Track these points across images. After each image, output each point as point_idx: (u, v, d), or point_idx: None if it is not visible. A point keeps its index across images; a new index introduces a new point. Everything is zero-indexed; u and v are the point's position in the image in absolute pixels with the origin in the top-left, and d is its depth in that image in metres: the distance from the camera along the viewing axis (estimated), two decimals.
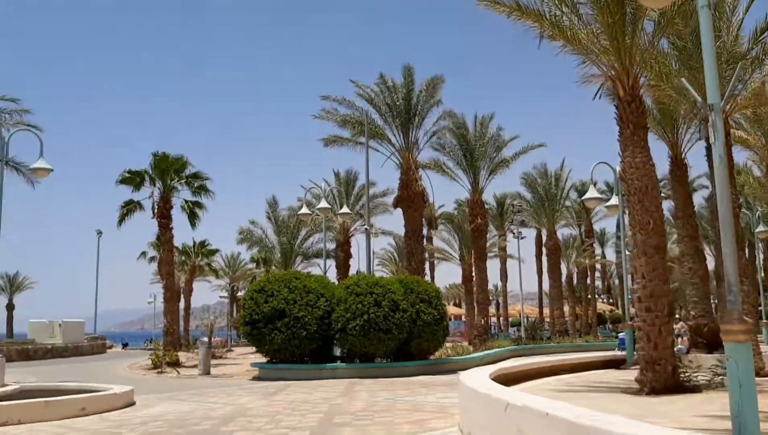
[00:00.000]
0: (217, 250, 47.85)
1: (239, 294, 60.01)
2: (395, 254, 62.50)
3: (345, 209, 22.44)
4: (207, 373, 21.63)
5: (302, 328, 18.33)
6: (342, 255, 35.35)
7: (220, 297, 54.40)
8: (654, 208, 10.44)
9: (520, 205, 48.72)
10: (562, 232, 61.00)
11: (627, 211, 12.57)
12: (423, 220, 26.66)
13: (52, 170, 14.80)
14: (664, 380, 10.43)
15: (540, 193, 39.81)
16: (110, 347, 54.35)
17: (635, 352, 12.45)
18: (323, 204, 21.09)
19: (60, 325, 41.83)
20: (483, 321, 31.38)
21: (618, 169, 18.27)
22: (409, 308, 19.08)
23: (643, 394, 10.65)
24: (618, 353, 22.02)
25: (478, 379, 8.87)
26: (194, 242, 47.03)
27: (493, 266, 53.51)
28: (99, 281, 54.67)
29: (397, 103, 26.94)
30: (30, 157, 22.17)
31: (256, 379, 19.45)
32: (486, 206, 37.41)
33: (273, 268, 54.51)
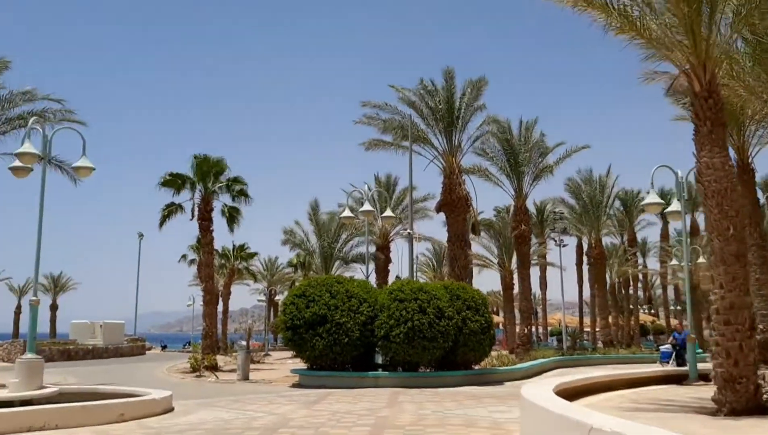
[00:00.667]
0: (255, 254, 47.85)
1: (277, 298, 60.05)
2: (433, 260, 61.79)
3: (389, 212, 21.87)
4: (246, 378, 21.22)
5: (344, 335, 17.77)
6: (382, 259, 34.79)
7: (258, 301, 54.36)
8: (734, 212, 9.60)
9: (562, 213, 47.69)
10: (604, 240, 59.83)
11: (700, 217, 11.64)
12: (466, 225, 25.93)
13: (94, 169, 14.53)
14: (746, 401, 9.55)
15: (584, 200, 38.66)
16: (149, 349, 54.73)
17: (713, 369, 11.48)
18: (367, 206, 20.54)
19: (101, 326, 42.19)
20: (526, 330, 30.46)
21: (680, 173, 17.38)
22: (455, 316, 18.38)
23: (721, 415, 9.77)
24: (669, 368, 20.97)
25: (543, 394, 8.16)
26: (233, 245, 47.08)
27: (531, 274, 52.49)
28: (139, 283, 55.12)
29: (440, 107, 26.28)
30: (73, 156, 22.19)
31: (296, 385, 18.96)
32: None
33: (311, 272, 54.34)
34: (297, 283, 59.13)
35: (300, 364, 30.48)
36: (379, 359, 19.76)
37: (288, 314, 18.40)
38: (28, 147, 13.54)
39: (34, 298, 13.69)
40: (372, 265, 36.11)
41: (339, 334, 17.76)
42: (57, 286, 63.27)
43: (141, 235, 57.14)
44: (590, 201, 38.56)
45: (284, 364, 33.26)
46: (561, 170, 34.83)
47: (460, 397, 15.07)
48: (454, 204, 25.49)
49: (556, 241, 46.02)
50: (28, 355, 13.48)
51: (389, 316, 17.82)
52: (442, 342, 17.86)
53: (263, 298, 55.48)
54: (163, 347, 60.64)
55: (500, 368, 20.48)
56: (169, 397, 13.13)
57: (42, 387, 13.53)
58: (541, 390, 8.96)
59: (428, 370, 18.86)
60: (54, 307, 62.61)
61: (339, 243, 30.74)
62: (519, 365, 21.91)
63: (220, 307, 43.63)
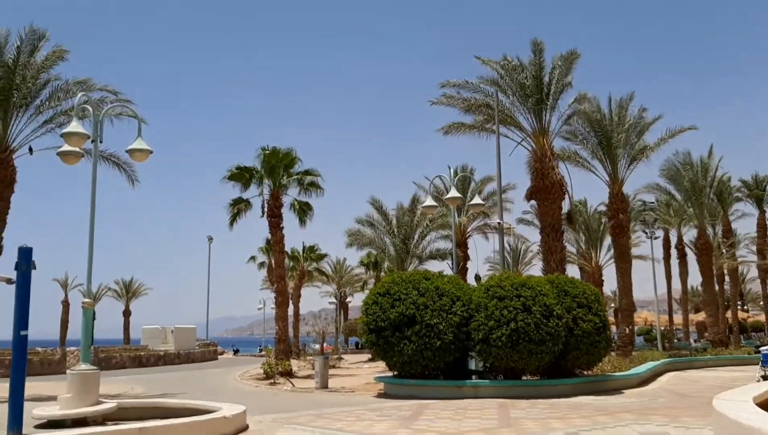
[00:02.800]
0: (326, 255, 46.08)
1: (348, 300, 58.30)
2: (509, 257, 58.77)
3: (477, 200, 19.42)
4: (324, 386, 19.18)
5: (436, 338, 15.44)
6: (460, 256, 32.27)
7: (329, 303, 52.67)
8: None
9: (652, 202, 44.06)
10: (693, 232, 55.36)
11: None
12: (561, 213, 23.19)
13: (150, 152, 12.70)
14: None
15: (685, 186, 35.04)
16: (221, 353, 53.88)
17: None
18: (453, 193, 18.16)
19: (172, 331, 41.26)
20: (627, 330, 27.39)
21: None
22: (565, 314, 15.79)
23: None
24: None
25: (747, 410, 5.64)
26: (303, 246, 45.44)
27: (612, 271, 48.88)
28: (211, 287, 54.37)
29: (527, 83, 23.63)
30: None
31: (381, 395, 16.74)
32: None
33: (382, 273, 52.24)
34: (369, 284, 57.35)
35: (379, 369, 28.64)
36: (473, 365, 17.39)
37: (371, 315, 16.21)
38: (75, 126, 11.79)
39: (86, 299, 11.94)
40: (445, 263, 33.70)
41: (430, 337, 15.45)
42: (129, 291, 63.37)
43: (210, 239, 56.54)
44: (692, 187, 34.92)
45: (361, 368, 31.25)
46: (654, 154, 31.36)
47: (585, 410, 12.51)
48: (547, 190, 22.81)
49: (646, 232, 42.57)
50: (82, 366, 11.70)
51: (488, 317, 15.39)
52: (551, 345, 15.30)
53: (334, 300, 53.79)
54: (236, 352, 59.80)
55: (616, 374, 17.72)
56: (242, 414, 11.11)
57: (98, 402, 11.70)
58: (741, 404, 6.40)
59: (534, 378, 16.34)
60: (127, 313, 62.73)
61: (414, 239, 28.33)
62: (634, 370, 19.08)
63: (290, 310, 41.93)
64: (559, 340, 15.47)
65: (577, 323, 15.92)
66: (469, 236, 37.78)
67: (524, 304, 15.24)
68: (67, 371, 11.77)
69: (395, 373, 16.90)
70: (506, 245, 61.15)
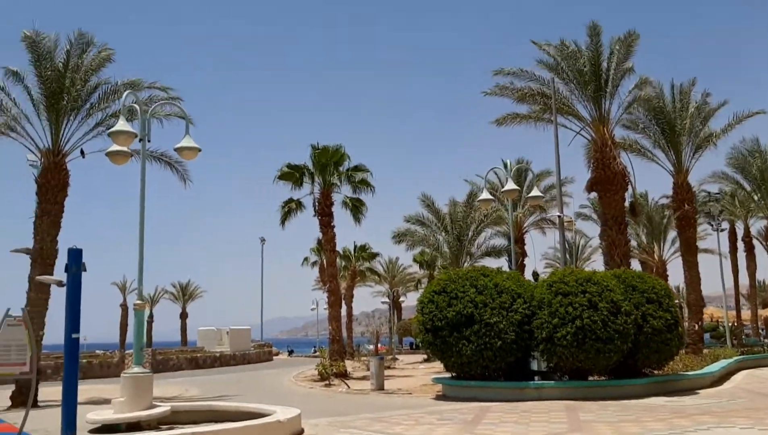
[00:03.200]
0: (377, 254, 45.66)
1: (401, 299, 57.76)
2: (567, 253, 57.24)
3: (535, 192, 18.57)
4: (381, 388, 18.66)
5: (496, 337, 14.72)
6: (518, 252, 31.33)
7: (382, 302, 52.22)
8: None
9: (717, 194, 42.14)
10: (761, 224, 52.71)
11: None
12: (624, 205, 22.10)
13: (199, 150, 12.41)
14: None
15: (754, 174, 33.25)
16: (276, 354, 54.08)
17: None
18: (510, 185, 17.39)
19: (227, 332, 41.49)
20: (696, 326, 26.02)
21: None
22: (634, 311, 14.87)
23: None
24: None
25: None
26: (355, 246, 45.16)
27: (675, 265, 46.78)
28: (265, 289, 54.64)
29: (584, 69, 22.61)
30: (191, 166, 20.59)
31: (440, 397, 16.12)
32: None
33: (436, 271, 51.52)
34: (423, 283, 56.64)
35: (435, 370, 27.94)
36: (534, 365, 16.60)
37: (427, 314, 15.60)
38: (122, 125, 11.55)
39: (138, 301, 11.70)
40: (502, 260, 32.76)
41: (490, 337, 14.74)
42: (185, 294, 64.28)
43: (263, 240, 56.87)
44: (761, 175, 33.11)
45: (417, 369, 30.67)
46: (720, 142, 29.72)
47: (660, 413, 11.63)
48: (609, 181, 21.75)
49: (712, 225, 40.76)
50: (135, 369, 11.46)
51: (551, 314, 14.59)
52: (620, 344, 14.40)
53: (386, 300, 53.29)
54: (290, 352, 59.99)
55: (688, 374, 16.66)
56: (297, 418, 10.67)
57: (152, 406, 11.44)
58: None
59: (600, 379, 15.46)
60: (183, 315, 63.64)
61: (468, 236, 27.53)
62: (707, 369, 17.93)
63: (343, 311, 41.71)
64: (628, 338, 14.56)
65: (647, 320, 14.98)
66: (526, 232, 36.71)
67: (590, 301, 14.39)
68: (121, 375, 11.55)
69: (453, 374, 16.26)
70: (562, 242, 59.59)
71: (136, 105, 12.68)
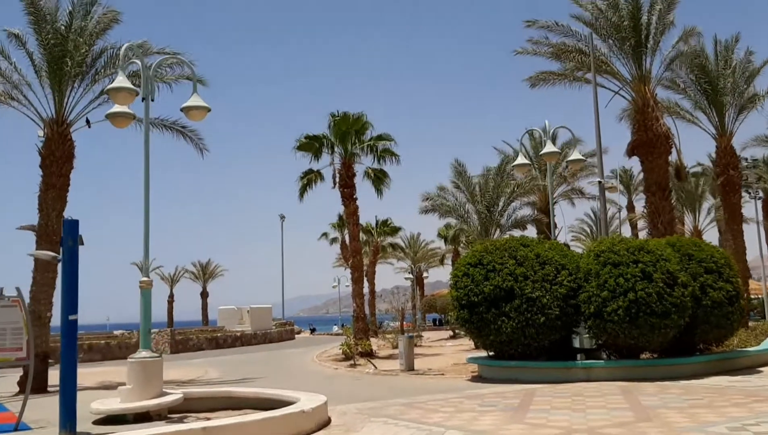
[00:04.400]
0: (400, 228, 44.32)
1: (424, 275, 56.56)
2: (593, 227, 55.53)
3: (576, 154, 17.08)
4: (411, 368, 17.46)
5: (539, 313, 13.40)
6: (546, 223, 29.81)
7: (405, 278, 51.09)
8: None
9: (756, 160, 40.25)
10: None
11: None
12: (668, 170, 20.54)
13: (208, 109, 11.16)
14: None
15: None
16: (298, 333, 53.30)
17: None
18: (549, 147, 15.94)
19: (248, 311, 40.59)
20: (742, 300, 24.39)
21: None
22: (691, 282, 13.45)
23: None
24: None
25: None
26: (376, 221, 43.92)
27: (710, 236, 44.91)
28: (286, 267, 53.74)
29: (623, 24, 20.89)
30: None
31: (476, 379, 14.87)
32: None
33: (460, 246, 50.13)
34: (447, 259, 55.36)
35: (463, 347, 26.77)
36: (576, 343, 15.28)
37: (461, 289, 14.29)
38: (122, 80, 10.31)
39: (144, 278, 10.52)
40: (529, 231, 31.26)
41: (532, 313, 13.42)
42: (206, 273, 63.59)
43: (283, 217, 55.87)
44: None
45: (444, 347, 29.48)
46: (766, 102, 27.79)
47: (733, 396, 10.27)
48: (652, 144, 20.18)
49: (749, 192, 38.99)
50: (142, 353, 10.31)
51: (600, 286, 13.21)
52: (677, 318, 13.01)
53: (410, 276, 52.13)
54: (312, 330, 59.20)
55: (749, 350, 15.23)
56: (323, 406, 9.47)
57: (162, 393, 10.31)
58: None
59: (652, 357, 14.08)
60: (204, 295, 63.02)
61: (499, 206, 26.04)
62: (766, 344, 16.45)
63: (365, 288, 40.68)
64: (686, 312, 13.16)
65: (706, 292, 13.55)
66: (555, 202, 35.20)
67: (643, 271, 12.98)
68: (128, 360, 10.43)
69: (491, 353, 14.98)
70: (592, 214, 57.96)
71: (136, 60, 11.41)
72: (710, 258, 13.89)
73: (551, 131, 16.58)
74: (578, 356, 14.59)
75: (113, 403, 10.10)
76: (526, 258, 13.90)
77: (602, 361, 13.72)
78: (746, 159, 40.38)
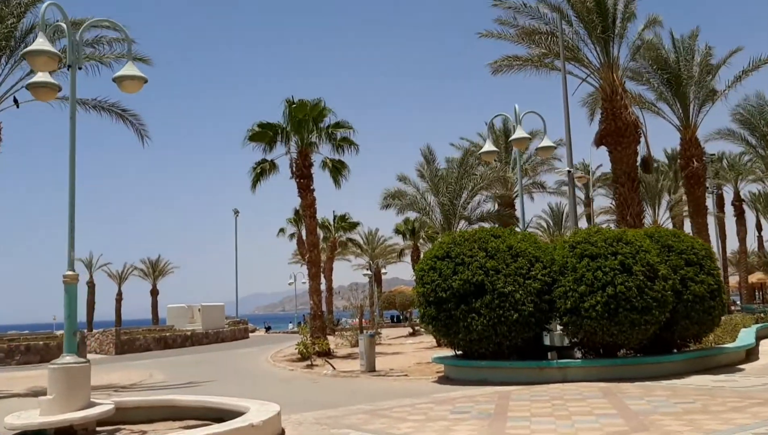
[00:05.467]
0: (358, 223, 43.20)
1: (384, 272, 55.47)
2: (549, 222, 55.37)
3: (547, 141, 16.01)
4: (372, 369, 16.33)
5: (512, 309, 12.43)
6: (506, 216, 29.04)
7: (364, 275, 49.81)
8: None
9: (712, 155, 40.56)
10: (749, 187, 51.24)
11: None
12: (637, 159, 19.88)
13: (145, 80, 9.78)
14: None
15: (763, 131, 31.28)
16: (253, 331, 51.62)
17: None
18: (519, 133, 14.99)
19: (199, 309, 38.84)
20: None
21: None
22: (671, 275, 12.65)
23: None
24: None
25: None
26: (334, 215, 42.67)
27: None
28: (241, 264, 51.97)
29: (590, 6, 20.10)
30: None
31: (443, 380, 13.84)
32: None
33: (420, 242, 49.25)
34: (406, 254, 54.36)
35: (423, 345, 25.72)
36: (547, 341, 14.41)
37: (428, 284, 13.22)
38: (42, 43, 8.88)
39: (68, 272, 9.10)
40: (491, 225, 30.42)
41: (505, 309, 12.44)
42: (156, 270, 61.21)
43: (237, 212, 54.02)
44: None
45: (404, 344, 28.45)
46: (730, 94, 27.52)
47: (728, 399, 9.43)
48: (621, 133, 19.51)
49: (707, 188, 39.17)
50: (66, 358, 8.90)
51: (576, 281, 12.32)
52: (658, 314, 12.20)
53: (368, 272, 50.92)
54: (267, 329, 57.53)
55: (727, 347, 14.53)
56: (276, 417, 8.27)
57: (89, 404, 8.93)
58: None
59: (629, 355, 13.25)
60: (154, 293, 60.70)
61: (462, 198, 25.07)
62: (742, 340, 15.77)
63: (322, 285, 39.37)
64: (667, 307, 12.37)
65: (687, 286, 12.77)
66: (516, 196, 34.56)
67: (623, 264, 12.13)
68: (48, 366, 9.01)
69: (458, 352, 13.95)
70: (548, 209, 57.74)
71: (62, 23, 9.98)
72: (690, 249, 13.12)
73: (521, 116, 15.62)
74: (549, 355, 13.69)
75: (31, 417, 8.68)
76: (498, 250, 12.91)
77: (579, 360, 12.83)
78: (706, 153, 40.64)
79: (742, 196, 50.27)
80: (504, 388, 11.78)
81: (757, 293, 60.13)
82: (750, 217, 52.14)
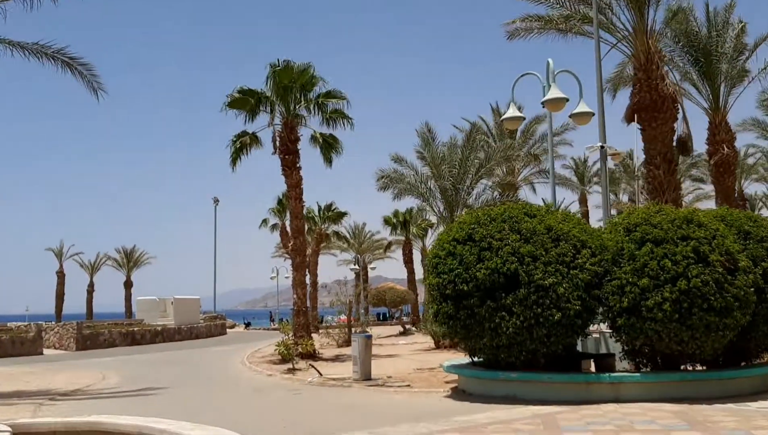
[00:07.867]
0: (345, 213, 40.29)
1: (372, 267, 52.70)
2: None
3: (583, 107, 13.30)
4: (367, 377, 13.53)
5: (553, 307, 9.70)
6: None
7: (351, 269, 47.01)
8: None
9: None
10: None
11: None
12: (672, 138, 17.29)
13: None
14: None
15: None
16: (231, 327, 48.67)
17: None
18: (554, 93, 12.30)
19: (172, 302, 35.79)
20: None
21: None
22: (752, 268, 9.99)
23: None
24: None
25: None
26: (319, 206, 39.80)
27: None
28: (222, 259, 48.91)
29: None
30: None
31: (459, 394, 11.07)
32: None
33: (411, 235, 46.52)
34: (394, 248, 51.60)
35: (416, 347, 23.00)
36: (579, 346, 11.72)
37: (444, 274, 10.44)
38: None
39: None
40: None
41: (545, 307, 9.71)
42: (130, 260, 57.80)
43: (216, 201, 50.92)
44: None
45: (397, 345, 25.73)
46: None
47: None
48: (657, 107, 16.86)
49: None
50: None
51: (636, 272, 9.62)
52: (740, 316, 9.57)
53: (355, 267, 48.11)
54: (247, 325, 54.57)
55: None
56: None
57: None
58: None
59: (696, 368, 10.59)
60: (128, 284, 57.32)
61: (466, 183, 22.29)
62: None
63: (307, 280, 36.51)
64: (749, 308, 9.75)
65: None
66: (520, 187, 31.93)
67: (697, 251, 9.47)
68: None
69: (475, 359, 11.21)
70: (542, 201, 55.27)
71: None
72: None
73: (555, 74, 12.94)
74: (583, 364, 11.02)
75: None
76: (534, 232, 10.17)
77: (637, 374, 10.11)
78: None
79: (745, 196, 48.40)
80: (542, 408, 9.08)
81: None
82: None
